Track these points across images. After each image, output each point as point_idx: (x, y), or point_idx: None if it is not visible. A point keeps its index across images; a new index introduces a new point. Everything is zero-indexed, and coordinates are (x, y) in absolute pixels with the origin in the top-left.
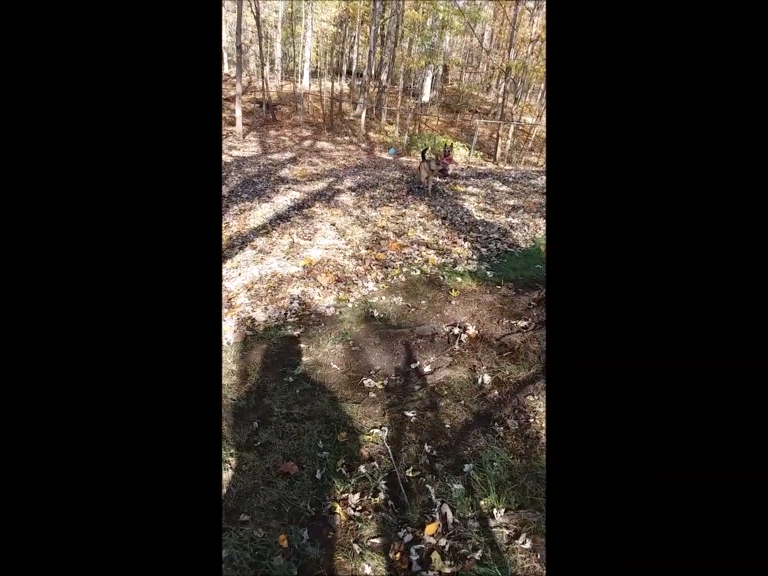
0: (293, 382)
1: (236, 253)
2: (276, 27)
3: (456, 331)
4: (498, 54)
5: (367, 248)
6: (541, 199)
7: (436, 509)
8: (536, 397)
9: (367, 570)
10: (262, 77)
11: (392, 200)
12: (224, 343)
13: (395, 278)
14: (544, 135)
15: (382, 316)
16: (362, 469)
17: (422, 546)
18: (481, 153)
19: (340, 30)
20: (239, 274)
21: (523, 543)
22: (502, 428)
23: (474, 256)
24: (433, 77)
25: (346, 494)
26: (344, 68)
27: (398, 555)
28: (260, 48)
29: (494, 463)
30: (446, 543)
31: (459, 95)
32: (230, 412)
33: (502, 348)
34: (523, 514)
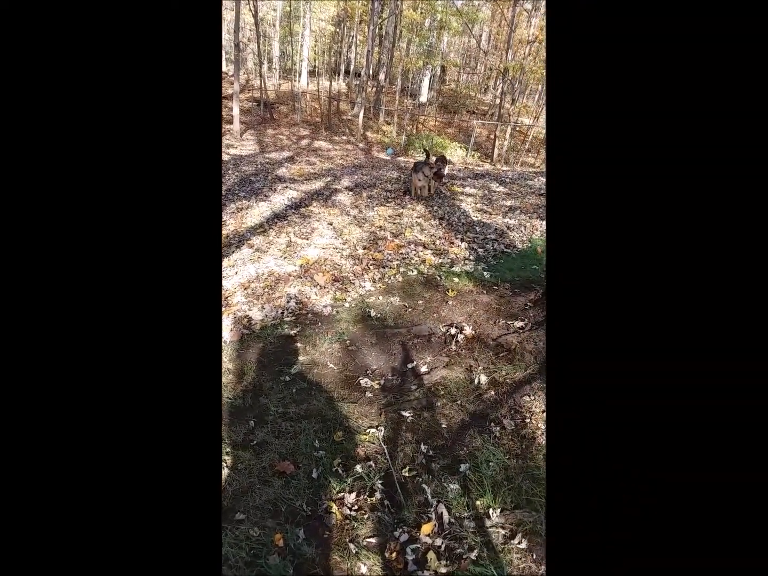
0: (290, 381)
1: (233, 252)
2: (274, 25)
3: (453, 331)
4: (495, 55)
5: (365, 248)
6: (537, 200)
7: (432, 509)
8: (532, 398)
9: (363, 569)
10: (260, 76)
11: (389, 200)
12: None
13: (392, 278)
14: (540, 136)
15: (379, 315)
16: (358, 468)
17: (418, 546)
18: (479, 154)
19: (338, 29)
20: (236, 273)
21: (519, 543)
22: (498, 428)
23: (471, 257)
24: (430, 78)
25: (342, 493)
26: (342, 68)
27: (394, 554)
28: (258, 46)
29: (490, 463)
30: (442, 543)
31: (457, 96)
32: (226, 411)
33: (498, 348)
34: (519, 514)
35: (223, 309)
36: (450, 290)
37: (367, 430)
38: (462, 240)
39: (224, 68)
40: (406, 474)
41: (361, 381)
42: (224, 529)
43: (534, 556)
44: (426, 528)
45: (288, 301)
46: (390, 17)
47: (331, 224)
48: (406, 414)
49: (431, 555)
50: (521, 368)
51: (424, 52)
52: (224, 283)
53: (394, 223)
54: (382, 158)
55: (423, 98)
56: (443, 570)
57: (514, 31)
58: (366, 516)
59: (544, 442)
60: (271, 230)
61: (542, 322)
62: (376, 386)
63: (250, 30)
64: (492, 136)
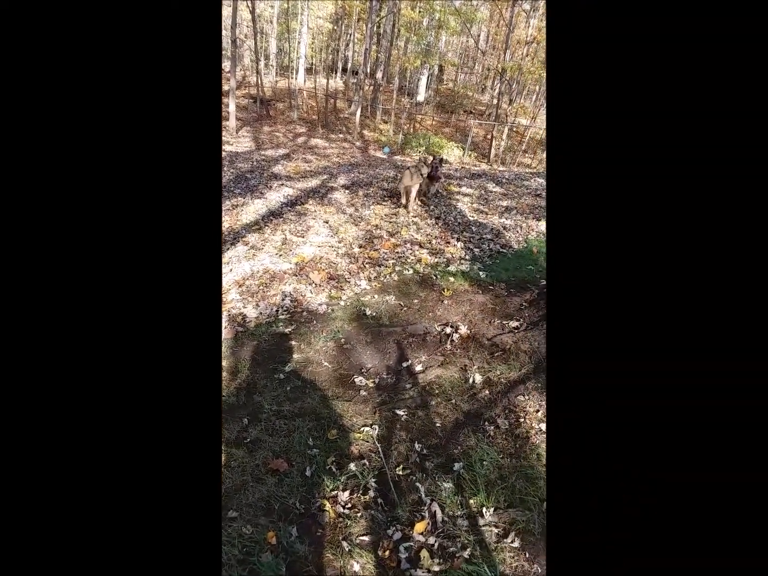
0: (284, 379)
1: (228, 249)
2: (271, 22)
3: (448, 330)
4: (493, 55)
5: (360, 246)
6: (534, 200)
7: (426, 507)
8: (527, 397)
9: (356, 567)
10: (257, 72)
11: (386, 199)
12: None
13: (388, 277)
14: (537, 137)
15: (374, 314)
16: (352, 466)
17: (411, 544)
18: (475, 154)
19: (336, 27)
20: (230, 270)
21: (512, 542)
22: (492, 427)
23: (467, 257)
24: (428, 77)
25: (336, 492)
26: (340, 66)
27: (387, 553)
28: (255, 43)
29: (484, 462)
30: (435, 541)
31: (454, 95)
32: None
33: (493, 348)
34: (512, 513)
35: None
36: (446, 289)
37: (362, 429)
38: (458, 239)
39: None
40: (400, 472)
41: (355, 379)
42: None
43: (527, 555)
44: (419, 526)
45: (283, 299)
46: (388, 15)
47: (327, 222)
48: (400, 412)
49: (424, 553)
50: (516, 368)
51: (422, 51)
52: None
53: (391, 222)
54: (379, 157)
55: (420, 97)
56: (436, 568)
57: (512, 32)
58: (359, 514)
59: (537, 441)
60: (266, 228)
61: (537, 322)
62: (371, 385)
63: (248, 26)
64: (489, 137)
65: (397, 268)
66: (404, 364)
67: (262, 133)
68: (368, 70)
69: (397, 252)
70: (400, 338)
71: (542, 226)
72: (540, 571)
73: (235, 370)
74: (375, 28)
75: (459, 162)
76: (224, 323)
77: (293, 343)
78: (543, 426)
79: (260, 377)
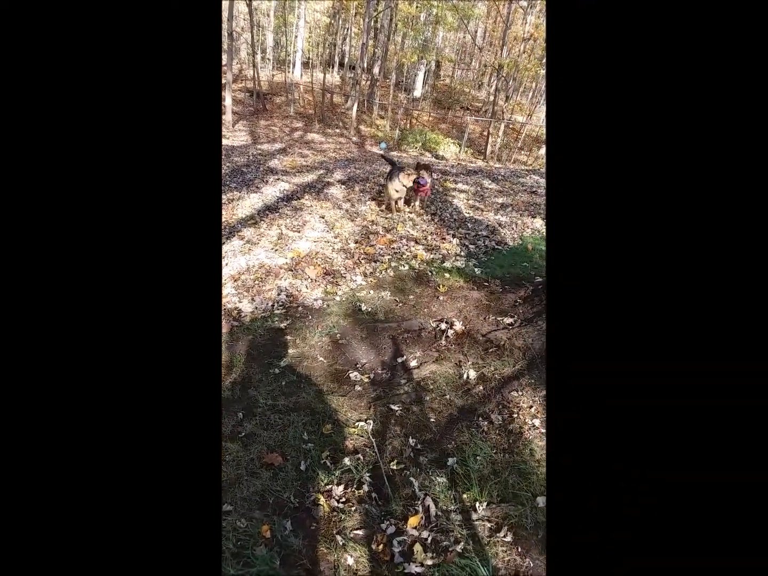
0: (279, 374)
1: (224, 243)
2: (268, 15)
3: (443, 326)
4: (490, 51)
5: (356, 242)
6: (529, 197)
7: (419, 502)
8: (520, 393)
9: (350, 561)
10: (254, 66)
11: (382, 194)
12: None
13: (383, 273)
14: (533, 134)
15: (369, 310)
16: (347, 461)
17: (405, 538)
18: (472, 150)
19: (333, 21)
20: (226, 264)
21: (505, 536)
22: (486, 423)
23: (462, 253)
24: (425, 73)
25: (330, 486)
26: (337, 60)
27: (381, 546)
28: (252, 36)
29: (477, 457)
30: (429, 535)
31: (451, 91)
32: None
33: (488, 344)
34: (504, 508)
35: None
36: (441, 286)
37: (356, 424)
38: (454, 236)
39: None
40: (394, 467)
41: (350, 374)
42: None
43: (519, 549)
44: (413, 521)
45: (278, 294)
46: (385, 10)
47: (323, 217)
48: (395, 408)
49: (418, 547)
50: (510, 364)
51: (419, 46)
52: None
53: (386, 218)
54: (376, 152)
55: (417, 93)
56: (429, 562)
57: (510, 28)
58: (353, 508)
59: (531, 437)
60: (262, 222)
61: (532, 318)
62: (366, 380)
63: (244, 19)
64: (485, 133)
65: (393, 264)
66: (399, 360)
67: (259, 127)
68: (365, 65)
69: (393, 248)
70: (395, 334)
71: (537, 223)
72: (532, 565)
73: (231, 365)
74: (372, 23)
75: (455, 158)
76: None
77: (288, 338)
78: (536, 422)
79: (255, 372)
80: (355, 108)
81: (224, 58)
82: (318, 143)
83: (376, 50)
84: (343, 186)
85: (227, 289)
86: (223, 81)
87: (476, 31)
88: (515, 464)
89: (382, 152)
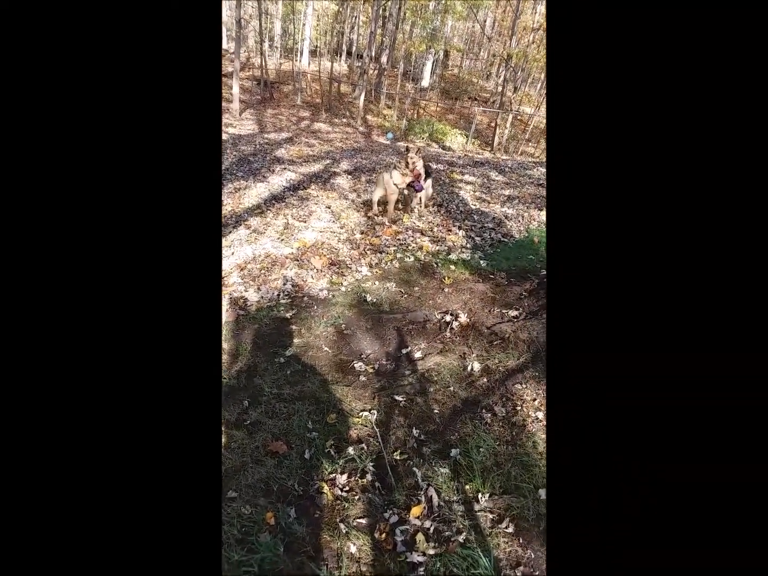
0: (284, 363)
1: (230, 232)
2: (276, 2)
3: (448, 318)
4: (499, 41)
5: (362, 233)
6: (536, 190)
7: (422, 492)
8: (524, 386)
9: (353, 549)
10: (261, 54)
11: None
12: None
13: (389, 264)
14: (541, 126)
15: (374, 301)
16: (350, 450)
17: (407, 527)
18: (479, 141)
19: (341, 9)
20: (232, 254)
21: (506, 527)
22: (489, 415)
23: (468, 245)
24: (433, 62)
25: (334, 475)
26: (344, 49)
27: (383, 535)
28: (260, 24)
29: (480, 449)
30: (431, 525)
31: (459, 82)
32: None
33: (492, 336)
34: (507, 499)
35: None
36: (446, 278)
37: (360, 413)
38: (460, 228)
39: (225, 45)
40: (398, 457)
41: (355, 365)
42: None
43: (521, 540)
44: (415, 510)
45: (284, 284)
46: None
47: (329, 208)
48: (399, 398)
49: (420, 537)
50: (514, 357)
51: (427, 35)
52: None
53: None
54: (382, 143)
55: (425, 83)
56: (431, 551)
57: (519, 18)
58: (357, 497)
59: (534, 429)
60: (268, 212)
61: (537, 311)
62: (370, 370)
63: (253, 7)
64: (493, 124)
65: (399, 255)
66: (404, 351)
67: (266, 116)
68: (373, 54)
69: (399, 239)
70: (400, 325)
71: (544, 215)
72: (533, 556)
73: (236, 353)
74: (381, 11)
75: (462, 150)
76: (226, 306)
77: (294, 327)
78: (540, 414)
79: (261, 360)
80: (362, 97)
81: (232, 45)
82: (325, 133)
83: (384, 39)
84: (349, 176)
85: (233, 278)
86: (231, 69)
87: (485, 21)
88: (518, 456)
89: (388, 142)
